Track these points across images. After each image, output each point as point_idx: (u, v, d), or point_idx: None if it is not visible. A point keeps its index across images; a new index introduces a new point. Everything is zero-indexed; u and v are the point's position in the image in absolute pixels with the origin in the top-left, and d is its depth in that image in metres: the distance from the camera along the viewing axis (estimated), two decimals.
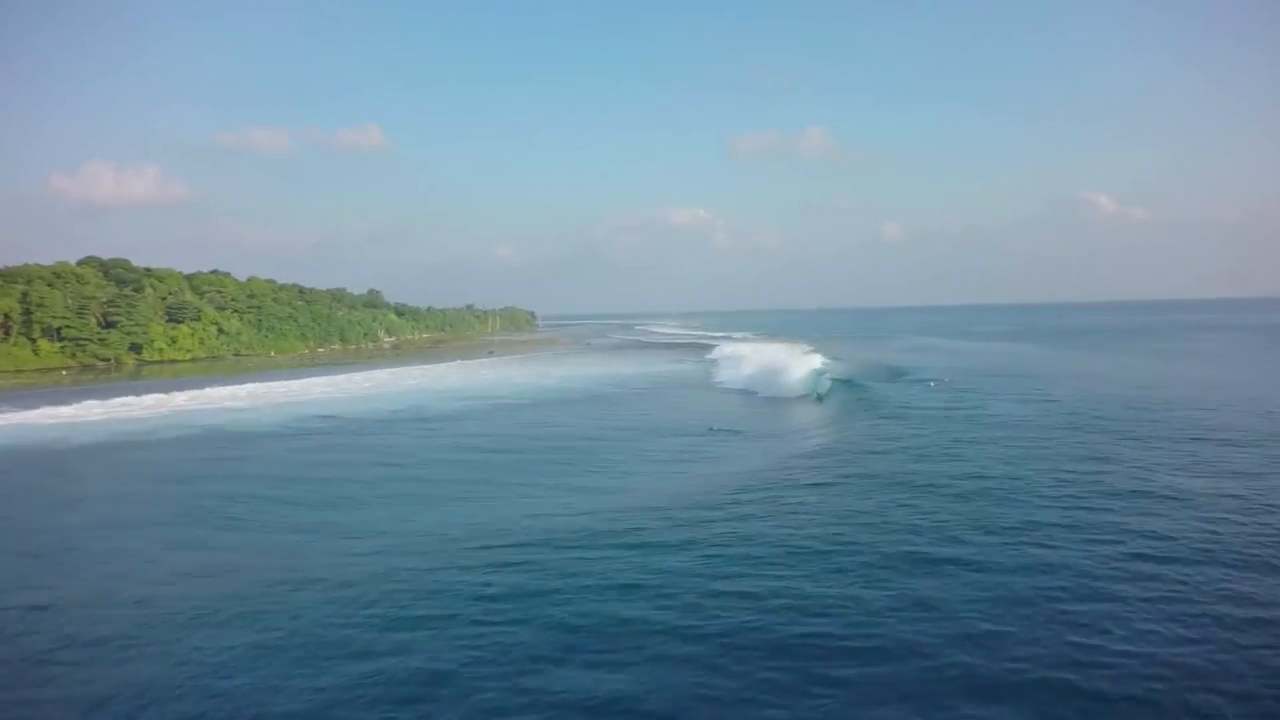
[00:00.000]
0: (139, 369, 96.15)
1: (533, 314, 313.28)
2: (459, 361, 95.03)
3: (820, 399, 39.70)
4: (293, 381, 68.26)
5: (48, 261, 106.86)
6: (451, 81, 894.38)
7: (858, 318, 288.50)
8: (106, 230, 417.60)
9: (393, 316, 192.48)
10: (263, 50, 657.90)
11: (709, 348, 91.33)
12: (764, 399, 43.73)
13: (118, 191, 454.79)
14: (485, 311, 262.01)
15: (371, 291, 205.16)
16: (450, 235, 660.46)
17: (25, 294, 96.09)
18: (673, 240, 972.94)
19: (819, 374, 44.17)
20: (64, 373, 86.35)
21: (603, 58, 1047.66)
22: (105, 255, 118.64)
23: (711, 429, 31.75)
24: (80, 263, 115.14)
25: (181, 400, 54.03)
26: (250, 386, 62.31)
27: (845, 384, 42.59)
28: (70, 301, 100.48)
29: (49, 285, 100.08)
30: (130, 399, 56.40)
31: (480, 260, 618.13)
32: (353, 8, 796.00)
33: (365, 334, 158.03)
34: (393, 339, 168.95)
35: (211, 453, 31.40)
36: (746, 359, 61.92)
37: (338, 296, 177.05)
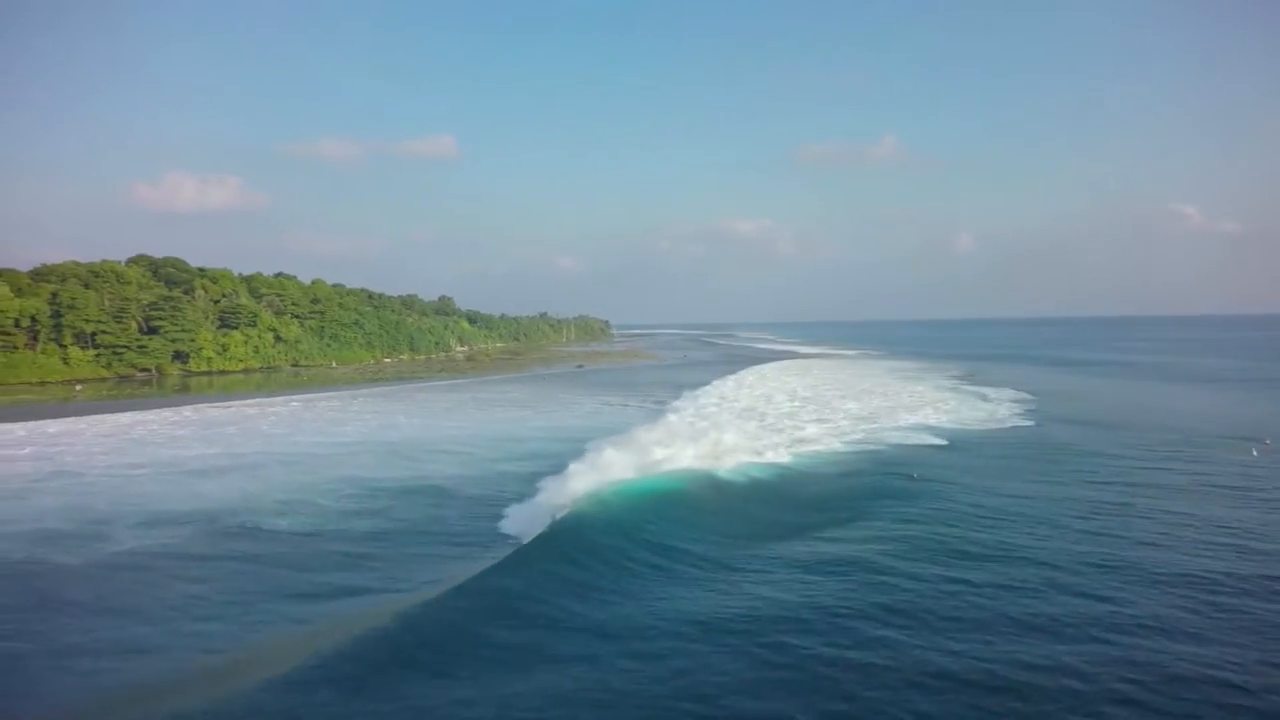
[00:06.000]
0: (184, 381, 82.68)
1: (607, 323, 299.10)
2: (541, 374, 78.42)
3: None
4: (329, 396, 52.96)
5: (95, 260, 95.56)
6: (519, 92, 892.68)
7: (953, 330, 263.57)
8: (179, 239, 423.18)
9: (465, 324, 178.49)
10: (337, 63, 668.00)
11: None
12: None
13: (198, 200, 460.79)
14: (560, 320, 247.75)
15: (443, 298, 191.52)
16: (515, 244, 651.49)
17: (55, 294, 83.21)
18: (737, 250, 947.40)
19: None
20: (78, 388, 71.92)
21: (668, 69, 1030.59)
22: None
23: None
24: (129, 261, 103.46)
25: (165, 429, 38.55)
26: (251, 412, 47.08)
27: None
28: (107, 304, 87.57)
29: (84, 285, 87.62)
30: (78, 423, 41.36)
31: (542, 269, 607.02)
32: (425, 19, 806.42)
33: (437, 343, 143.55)
34: (465, 348, 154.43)
35: None
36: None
37: (408, 303, 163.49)
